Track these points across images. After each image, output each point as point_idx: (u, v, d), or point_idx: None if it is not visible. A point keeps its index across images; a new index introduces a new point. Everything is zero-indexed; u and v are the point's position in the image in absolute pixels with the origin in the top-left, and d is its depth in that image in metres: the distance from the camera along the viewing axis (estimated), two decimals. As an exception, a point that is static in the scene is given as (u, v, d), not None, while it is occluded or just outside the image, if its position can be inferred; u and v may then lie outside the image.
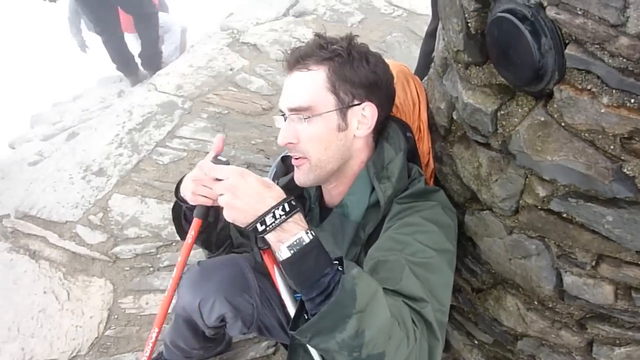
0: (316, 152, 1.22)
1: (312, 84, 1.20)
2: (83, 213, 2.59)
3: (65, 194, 2.71)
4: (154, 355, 1.79)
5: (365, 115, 1.25)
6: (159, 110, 3.13)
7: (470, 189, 1.34)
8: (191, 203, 1.15)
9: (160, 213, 2.58)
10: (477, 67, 1.19)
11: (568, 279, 1.24)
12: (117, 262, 2.39)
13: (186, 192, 1.15)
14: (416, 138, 1.44)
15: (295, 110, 1.21)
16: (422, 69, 2.42)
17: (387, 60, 1.58)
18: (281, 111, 1.27)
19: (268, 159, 2.66)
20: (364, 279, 0.94)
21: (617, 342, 1.34)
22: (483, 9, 1.11)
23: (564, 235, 1.16)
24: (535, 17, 0.96)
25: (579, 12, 0.85)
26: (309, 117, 1.20)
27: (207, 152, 2.82)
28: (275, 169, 1.58)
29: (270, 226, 0.94)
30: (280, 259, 0.96)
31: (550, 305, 1.37)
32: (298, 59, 1.22)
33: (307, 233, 0.96)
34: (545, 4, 0.91)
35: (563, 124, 1.01)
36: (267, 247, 1.14)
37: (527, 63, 1.00)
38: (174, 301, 1.40)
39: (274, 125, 2.94)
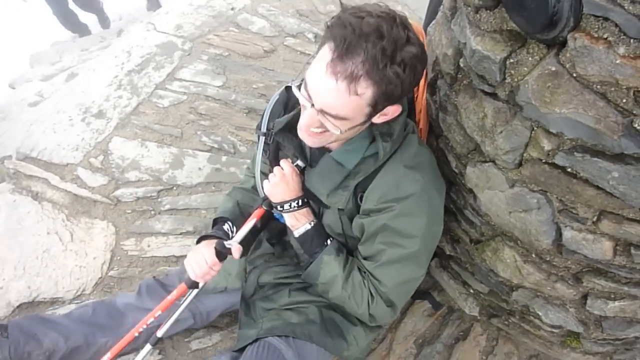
0: (337, 135, 1.21)
1: (357, 104, 1.12)
2: (83, 156, 2.57)
3: (65, 136, 2.68)
4: None
5: (388, 112, 1.22)
6: (158, 51, 3.03)
7: (474, 140, 1.30)
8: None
9: (160, 157, 2.56)
10: (488, 11, 1.13)
11: (568, 234, 1.23)
12: (118, 205, 2.40)
13: (191, 274, 1.49)
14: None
15: (332, 116, 1.14)
16: (432, 15, 2.31)
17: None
18: (310, 97, 1.16)
19: (270, 104, 2.60)
20: (330, 265, 1.42)
21: (612, 296, 1.36)
22: (499, -54, 1.03)
23: (566, 190, 1.14)
24: (554, -43, 0.89)
25: (602, -48, 0.79)
26: (340, 128, 1.16)
27: (207, 96, 2.76)
28: (277, 97, 1.54)
29: (289, 209, 1.44)
30: (295, 236, 1.48)
31: (548, 259, 1.37)
32: (352, 70, 1.06)
33: (311, 224, 1.45)
34: (565, -59, 0.84)
35: (575, 75, 0.96)
36: (265, 209, 1.53)
37: (541, 7, 0.94)
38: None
39: (276, 69, 2.86)
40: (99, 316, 1.80)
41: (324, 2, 3.24)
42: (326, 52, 1.09)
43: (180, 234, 2.31)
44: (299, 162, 1.45)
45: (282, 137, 1.43)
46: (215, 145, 2.59)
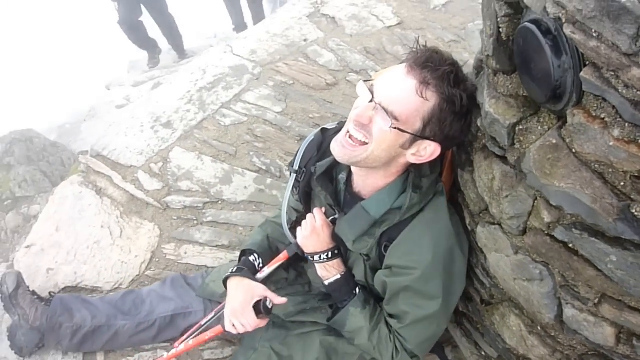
0: (376, 147, 1.27)
1: (417, 109, 1.20)
2: (146, 160, 2.80)
3: (134, 140, 2.94)
4: None
5: (425, 152, 1.27)
6: (230, 72, 3.25)
7: (485, 201, 1.29)
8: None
9: (213, 171, 2.72)
10: (505, 76, 1.13)
11: (569, 312, 1.17)
12: (167, 210, 2.58)
13: (232, 330, 1.55)
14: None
15: (388, 112, 1.21)
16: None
17: None
18: (371, 93, 1.24)
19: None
20: (356, 317, 1.49)
21: (620, 386, 1.26)
22: (515, 15, 1.04)
23: (567, 266, 1.10)
24: (559, 32, 0.89)
25: (594, 35, 0.78)
26: (392, 123, 1.21)
27: (265, 120, 2.90)
28: (312, 137, 1.62)
29: (319, 260, 1.53)
30: (325, 285, 1.57)
31: (552, 334, 1.30)
32: (425, 77, 1.19)
33: (341, 274, 1.52)
34: (563, 20, 0.84)
35: (574, 151, 0.94)
36: (293, 253, 1.64)
37: (546, 80, 0.94)
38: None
39: (334, 102, 2.95)
40: (125, 302, 1.99)
41: (392, 42, 3.30)
42: (404, 64, 1.23)
43: (216, 246, 2.43)
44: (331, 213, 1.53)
45: (320, 181, 1.50)
46: (264, 167, 2.71)
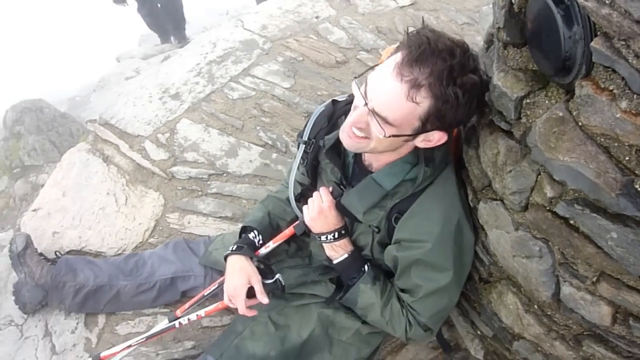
0: (378, 143, 1.26)
1: (411, 112, 1.15)
2: (153, 130, 2.80)
3: (142, 110, 2.94)
4: None
5: (433, 138, 1.24)
6: (240, 46, 3.23)
7: (488, 176, 1.28)
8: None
9: (219, 144, 2.72)
10: (515, 49, 1.12)
11: (566, 290, 1.17)
12: (172, 180, 2.59)
13: (230, 305, 1.59)
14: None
15: (382, 118, 1.18)
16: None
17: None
18: (365, 96, 1.19)
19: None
20: (367, 293, 1.50)
21: (614, 367, 1.26)
22: (529, -15, 1.02)
23: (567, 243, 1.09)
24: (572, 1, 0.88)
25: (606, 1, 0.77)
26: (386, 133, 1.19)
27: (273, 95, 2.89)
28: (323, 108, 1.60)
29: (326, 240, 1.53)
30: (333, 264, 1.57)
31: (549, 313, 1.31)
32: (416, 78, 1.11)
33: (349, 253, 1.53)
34: (577, -13, 0.83)
35: (580, 124, 0.93)
36: (300, 232, 1.63)
37: (555, 51, 0.93)
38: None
39: (343, 80, 2.93)
40: (128, 263, 2.03)
41: (404, 22, 3.26)
42: (397, 57, 1.15)
43: (219, 217, 2.45)
44: (337, 186, 1.51)
45: (329, 154, 1.49)
46: (270, 142, 2.71)
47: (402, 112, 1.15)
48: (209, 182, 2.59)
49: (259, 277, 1.56)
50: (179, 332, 2.04)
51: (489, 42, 1.28)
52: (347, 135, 1.29)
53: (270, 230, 1.74)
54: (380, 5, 3.44)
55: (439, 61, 1.09)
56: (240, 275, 1.56)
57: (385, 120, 1.17)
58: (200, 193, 2.55)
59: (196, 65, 3.16)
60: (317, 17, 3.38)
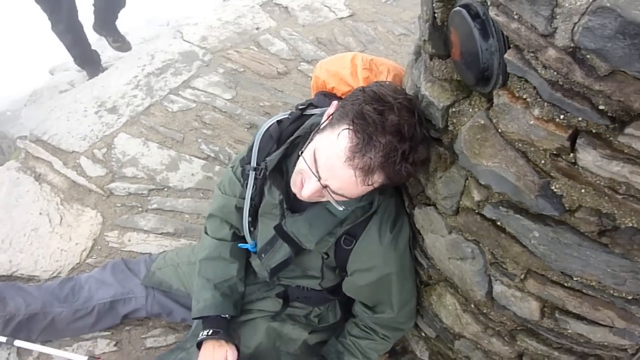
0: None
1: (365, 189, 1.20)
2: (89, 146, 2.70)
3: (77, 125, 2.83)
4: None
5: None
6: (179, 58, 3.18)
7: (421, 183, 1.33)
8: None
9: (159, 158, 2.66)
10: (440, 60, 1.17)
11: (498, 288, 1.23)
12: (110, 197, 2.50)
13: None
14: None
15: (337, 195, 1.21)
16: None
17: (384, 61, 1.62)
18: (317, 173, 1.20)
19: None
20: None
21: (546, 359, 1.33)
22: (449, 0, 1.07)
23: (495, 244, 1.15)
24: (487, 16, 0.93)
25: (515, 17, 0.82)
26: (343, 207, 1.26)
27: (215, 107, 2.85)
28: (266, 129, 1.51)
29: None
30: None
31: (485, 311, 1.36)
32: (366, 164, 1.12)
33: None
34: (488, 2, 0.88)
35: (500, 131, 0.99)
36: None
37: (474, 62, 0.98)
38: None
39: (285, 90, 2.95)
40: (63, 289, 1.93)
41: (343, 33, 3.33)
42: (345, 141, 1.14)
43: (161, 233, 2.38)
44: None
45: (272, 176, 1.43)
46: (212, 155, 2.68)
47: (358, 191, 1.21)
48: (149, 198, 2.52)
49: (236, 355, 1.54)
50: (121, 356, 1.96)
51: (417, 54, 1.33)
52: (299, 190, 1.27)
53: (230, 299, 1.62)
54: (319, 16, 3.49)
55: (388, 144, 1.11)
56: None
57: (342, 196, 1.22)
58: (140, 209, 2.47)
59: (134, 78, 3.09)
60: (257, 29, 3.39)
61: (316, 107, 1.54)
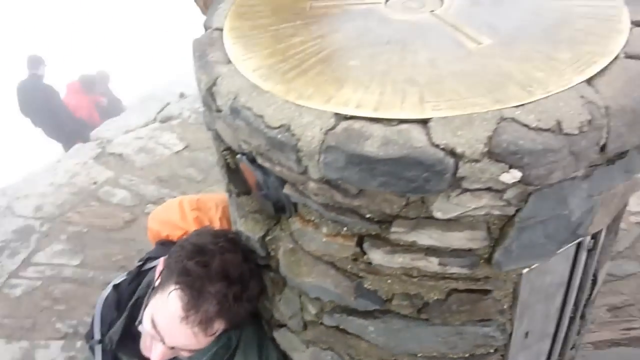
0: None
1: (209, 339, 1.21)
2: None
3: None
4: None
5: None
6: (13, 237, 2.97)
7: (269, 307, 1.37)
8: None
9: (9, 355, 2.36)
10: (246, 196, 1.26)
11: (365, 385, 1.28)
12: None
13: None
14: None
15: (183, 349, 1.20)
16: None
17: (211, 196, 1.71)
18: (157, 335, 1.18)
19: (129, 275, 2.57)
20: None
21: None
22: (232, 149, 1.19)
23: (346, 346, 1.21)
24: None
25: (276, 162, 0.95)
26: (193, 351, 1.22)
27: (63, 278, 2.67)
28: (105, 298, 1.45)
29: None
30: None
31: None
32: (203, 317, 1.14)
33: None
34: (253, 153, 1.00)
35: (306, 250, 1.09)
36: None
37: (266, 197, 1.09)
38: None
39: (136, 238, 2.88)
40: None
41: (182, 166, 3.42)
42: (175, 301, 1.14)
43: None
44: None
45: (120, 348, 1.37)
46: (70, 330, 2.46)
47: (205, 342, 1.21)
48: (4, 406, 2.20)
49: None
50: None
51: (229, 192, 1.43)
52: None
53: None
54: (156, 155, 3.55)
55: (219, 291, 1.14)
56: None
57: (191, 350, 1.21)
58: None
59: (-38, 274, 2.78)
60: (94, 183, 3.32)
61: (156, 258, 1.54)
